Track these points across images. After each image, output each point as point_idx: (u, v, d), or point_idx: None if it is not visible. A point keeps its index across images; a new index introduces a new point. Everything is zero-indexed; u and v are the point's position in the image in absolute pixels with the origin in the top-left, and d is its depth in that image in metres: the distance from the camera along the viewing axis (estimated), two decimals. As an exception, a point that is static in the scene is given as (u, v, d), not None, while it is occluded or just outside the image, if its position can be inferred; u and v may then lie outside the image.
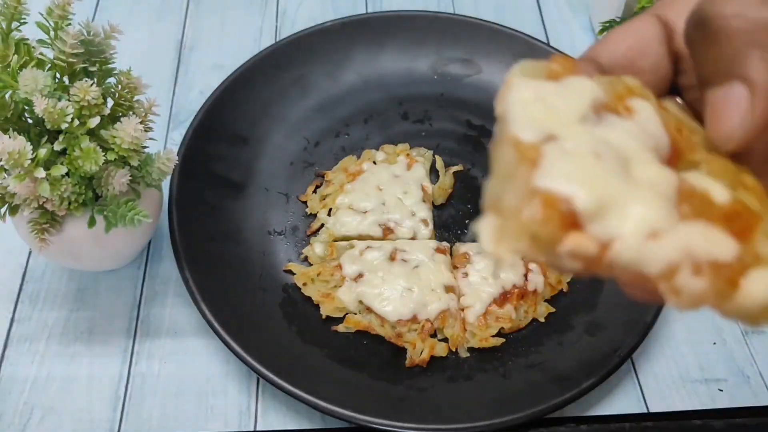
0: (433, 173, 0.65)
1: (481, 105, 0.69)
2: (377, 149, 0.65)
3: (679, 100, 0.29)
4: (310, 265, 0.59)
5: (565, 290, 0.58)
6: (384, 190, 0.61)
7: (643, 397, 0.55)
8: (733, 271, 0.22)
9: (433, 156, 0.65)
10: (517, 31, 0.70)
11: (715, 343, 0.58)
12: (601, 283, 0.58)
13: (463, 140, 0.67)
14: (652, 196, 0.23)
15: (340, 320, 0.56)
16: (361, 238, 0.60)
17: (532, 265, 0.58)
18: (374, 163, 0.64)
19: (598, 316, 0.56)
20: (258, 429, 0.52)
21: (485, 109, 0.69)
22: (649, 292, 0.23)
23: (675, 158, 0.26)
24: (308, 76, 0.68)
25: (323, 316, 0.56)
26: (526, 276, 0.57)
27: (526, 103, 0.24)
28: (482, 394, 0.53)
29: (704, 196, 0.24)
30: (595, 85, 0.25)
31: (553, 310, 0.57)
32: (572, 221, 0.22)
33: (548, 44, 0.71)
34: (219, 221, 0.59)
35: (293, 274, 0.58)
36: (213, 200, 0.60)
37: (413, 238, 0.59)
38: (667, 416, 0.54)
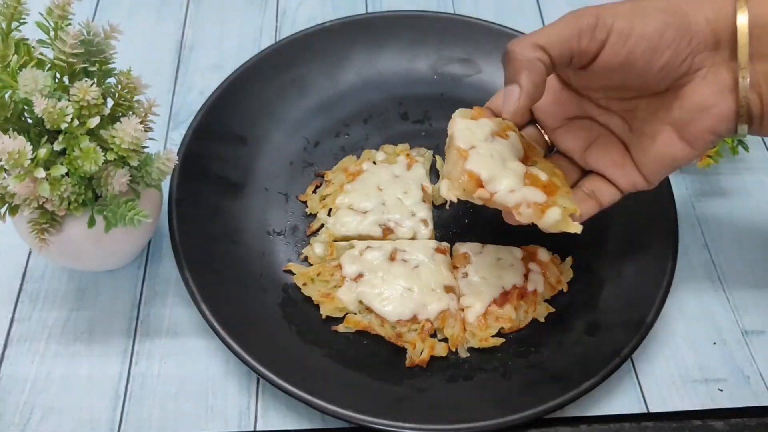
0: (433, 173, 0.65)
1: (481, 105, 0.69)
2: (377, 149, 0.66)
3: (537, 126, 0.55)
4: (310, 265, 0.59)
5: (564, 290, 0.58)
6: (384, 190, 0.61)
7: (643, 397, 0.55)
8: (543, 206, 0.49)
9: (433, 156, 0.65)
10: (517, 31, 0.70)
11: (714, 344, 0.58)
12: (602, 283, 0.58)
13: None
14: (513, 175, 0.50)
15: (340, 320, 0.56)
16: (361, 238, 0.60)
17: (532, 265, 0.58)
18: (374, 163, 0.64)
19: (598, 316, 0.56)
20: (258, 429, 0.52)
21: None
22: (510, 216, 0.50)
23: (526, 159, 0.53)
24: (308, 76, 0.68)
25: (323, 316, 0.56)
26: (526, 276, 0.57)
27: (462, 130, 0.51)
28: (482, 394, 0.53)
29: (536, 177, 0.51)
30: (493, 123, 0.53)
31: (552, 310, 0.57)
32: (480, 183, 0.49)
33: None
34: (219, 221, 0.59)
35: (293, 274, 0.58)
36: (213, 200, 0.60)
37: (413, 238, 0.59)
38: (666, 416, 0.54)
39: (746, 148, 0.62)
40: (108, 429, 0.51)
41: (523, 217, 0.49)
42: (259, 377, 0.52)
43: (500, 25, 0.70)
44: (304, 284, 0.57)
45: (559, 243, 0.61)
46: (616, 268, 0.58)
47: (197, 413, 0.52)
